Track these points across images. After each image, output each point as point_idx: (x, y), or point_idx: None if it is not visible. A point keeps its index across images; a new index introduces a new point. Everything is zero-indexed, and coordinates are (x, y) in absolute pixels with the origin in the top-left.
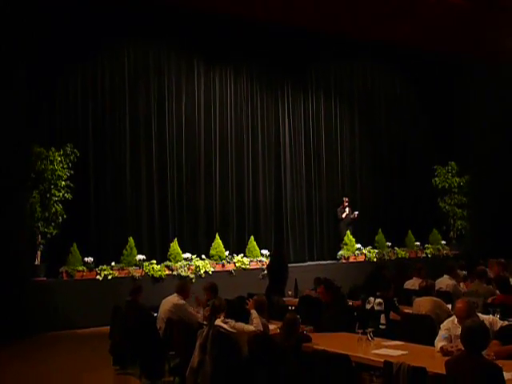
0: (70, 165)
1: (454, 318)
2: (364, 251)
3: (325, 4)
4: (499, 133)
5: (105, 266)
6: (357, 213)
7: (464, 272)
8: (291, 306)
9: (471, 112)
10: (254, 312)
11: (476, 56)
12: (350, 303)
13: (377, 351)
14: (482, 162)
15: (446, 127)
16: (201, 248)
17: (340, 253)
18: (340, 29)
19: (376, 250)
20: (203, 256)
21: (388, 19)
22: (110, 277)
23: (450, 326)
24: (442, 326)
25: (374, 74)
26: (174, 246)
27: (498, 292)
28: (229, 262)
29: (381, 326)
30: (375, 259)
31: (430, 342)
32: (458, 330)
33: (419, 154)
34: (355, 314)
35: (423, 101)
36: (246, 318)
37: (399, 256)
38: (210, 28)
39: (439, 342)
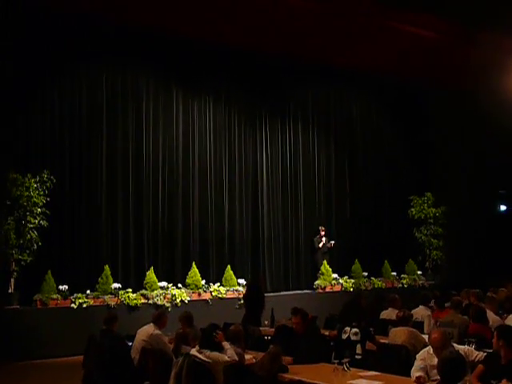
0: (46, 191)
1: (429, 348)
2: (341, 281)
3: (297, 30)
4: (475, 164)
5: (80, 294)
6: (333, 242)
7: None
8: (267, 336)
9: (448, 142)
10: (225, 344)
11: (451, 86)
12: (327, 333)
13: (353, 382)
14: (457, 193)
15: (423, 157)
16: (177, 277)
17: (316, 282)
18: (313, 55)
19: (352, 280)
20: (179, 285)
21: (359, 45)
22: (84, 305)
23: (425, 356)
24: (417, 356)
25: (351, 104)
26: (150, 274)
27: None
28: (205, 291)
29: (357, 356)
30: (352, 289)
31: (406, 373)
32: (434, 360)
33: (396, 184)
34: (331, 344)
35: (400, 130)
36: (220, 347)
37: (376, 286)
38: (189, 56)
39: (415, 372)
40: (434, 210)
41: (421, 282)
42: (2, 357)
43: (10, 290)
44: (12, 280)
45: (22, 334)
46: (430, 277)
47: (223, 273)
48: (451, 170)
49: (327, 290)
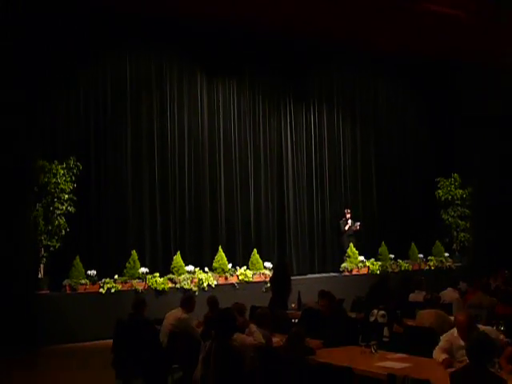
0: (73, 178)
1: (454, 330)
2: (367, 263)
3: (322, 12)
4: (503, 143)
5: (108, 279)
6: (359, 223)
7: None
8: (294, 319)
9: (475, 123)
10: (252, 326)
11: (478, 64)
12: (354, 316)
13: (380, 364)
14: (484, 173)
15: (449, 138)
16: (204, 261)
17: (343, 265)
18: (340, 38)
19: (379, 263)
20: (206, 269)
21: (386, 25)
22: (113, 290)
23: (450, 338)
24: (441, 337)
25: (376, 85)
26: (177, 258)
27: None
28: (232, 275)
29: (384, 339)
30: (378, 272)
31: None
32: (459, 342)
33: (422, 166)
34: (358, 326)
35: (426, 112)
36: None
37: (402, 268)
38: (212, 39)
39: (440, 354)
40: (461, 191)
41: (448, 263)
42: (33, 341)
43: (39, 276)
44: (41, 266)
45: (51, 319)
46: (457, 258)
47: (249, 256)
48: (478, 150)
49: (354, 272)
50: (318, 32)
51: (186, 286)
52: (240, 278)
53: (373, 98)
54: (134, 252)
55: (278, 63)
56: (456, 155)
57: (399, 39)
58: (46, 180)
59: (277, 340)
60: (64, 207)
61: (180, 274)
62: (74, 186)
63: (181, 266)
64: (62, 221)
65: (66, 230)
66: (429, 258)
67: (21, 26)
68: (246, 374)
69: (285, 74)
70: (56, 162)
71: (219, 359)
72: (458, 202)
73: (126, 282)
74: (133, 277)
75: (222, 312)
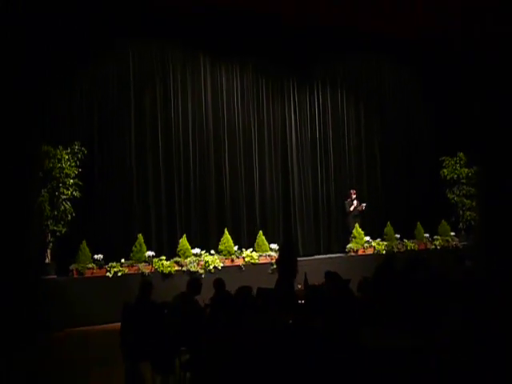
0: (78, 163)
1: None
2: (373, 244)
3: None
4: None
5: (114, 263)
6: (364, 205)
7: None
8: (301, 300)
9: (480, 101)
10: None
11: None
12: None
13: None
14: (490, 152)
15: (454, 117)
16: (210, 243)
17: (349, 246)
18: (343, 20)
19: (385, 243)
20: (212, 251)
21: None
22: (119, 273)
23: None
24: None
25: (380, 65)
26: (183, 241)
27: None
28: (238, 257)
29: None
30: (384, 252)
31: None
32: None
33: (427, 145)
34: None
35: (430, 90)
36: None
37: (408, 248)
38: (215, 23)
39: None
40: (466, 170)
41: (454, 243)
42: (41, 326)
43: (46, 261)
44: (48, 251)
45: (59, 304)
46: (463, 238)
47: (255, 238)
48: (484, 128)
49: (359, 253)
50: (321, 15)
51: (193, 269)
52: (246, 259)
53: (377, 78)
54: (140, 236)
55: (281, 46)
56: (462, 134)
57: (403, 22)
58: (51, 165)
59: None
60: (69, 192)
61: (186, 257)
62: (78, 171)
63: (187, 248)
64: (68, 206)
65: (71, 214)
66: (435, 237)
67: (26, 8)
68: None
69: (288, 57)
70: (61, 147)
71: None
72: (464, 180)
73: (132, 266)
74: (139, 260)
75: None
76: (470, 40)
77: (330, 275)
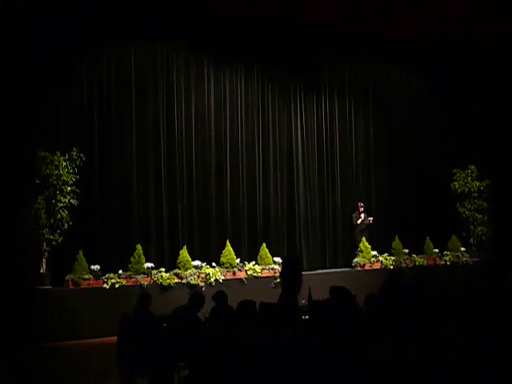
0: (76, 170)
1: None
2: (380, 258)
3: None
4: None
5: (112, 275)
6: (371, 219)
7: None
8: (305, 315)
9: (492, 113)
10: None
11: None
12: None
13: None
14: (503, 165)
15: (466, 129)
16: (211, 255)
17: (355, 260)
18: (351, 25)
19: (393, 257)
20: (213, 264)
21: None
22: (117, 285)
23: None
24: None
25: (390, 74)
26: (184, 253)
27: None
28: (240, 270)
29: None
30: (392, 267)
31: None
32: None
33: (438, 157)
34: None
35: (442, 101)
36: None
37: (417, 263)
38: (220, 27)
39: None
40: (478, 183)
41: (464, 258)
42: (34, 337)
43: (41, 271)
44: (44, 260)
45: (54, 315)
46: (475, 254)
47: (258, 251)
48: (496, 141)
49: (366, 267)
50: (328, 19)
51: (193, 282)
52: (248, 273)
53: (386, 87)
54: (138, 246)
55: (287, 50)
56: (474, 146)
57: (412, 25)
58: (48, 172)
59: None
60: (67, 200)
61: (186, 269)
62: (76, 178)
63: (187, 260)
64: (65, 214)
65: (68, 223)
66: (444, 252)
67: (23, 9)
68: None
69: (295, 61)
70: (58, 153)
71: None
72: (475, 194)
73: (130, 278)
74: (138, 272)
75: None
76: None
77: (336, 290)
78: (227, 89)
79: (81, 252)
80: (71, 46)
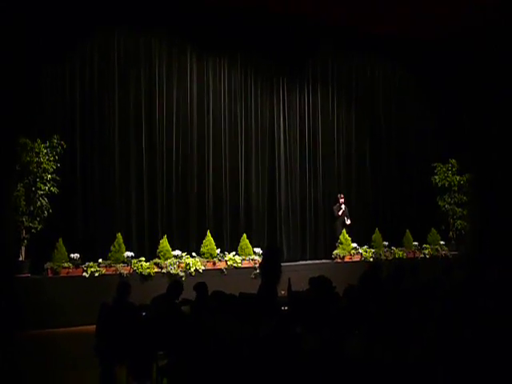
0: (57, 157)
1: None
2: (360, 250)
3: None
4: (503, 129)
5: (91, 263)
6: (349, 222)
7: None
8: (284, 307)
9: (473, 107)
10: None
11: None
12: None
13: None
14: (483, 159)
15: (447, 123)
16: (191, 245)
17: (335, 252)
18: (336, 18)
19: (372, 250)
20: (194, 254)
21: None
22: (96, 274)
23: None
24: None
25: (373, 67)
26: (164, 242)
27: None
28: (220, 260)
29: None
30: (371, 259)
31: None
32: None
33: (418, 151)
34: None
35: (423, 95)
36: None
37: (396, 256)
38: (203, 16)
39: None
40: (458, 177)
41: (443, 252)
42: (13, 326)
43: (20, 258)
44: (23, 248)
45: (33, 303)
46: (453, 247)
47: (239, 241)
48: (477, 136)
49: (346, 259)
50: (314, 11)
51: (173, 271)
52: (229, 263)
53: (369, 80)
54: (119, 235)
55: (271, 41)
56: (455, 140)
57: (397, 21)
58: (28, 159)
59: None
60: (47, 188)
61: (166, 259)
62: (57, 166)
63: (167, 250)
64: (45, 202)
65: (48, 211)
66: (424, 245)
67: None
68: None
69: (278, 51)
70: (39, 140)
71: None
72: (455, 188)
73: (110, 266)
74: (117, 261)
75: None
76: (470, 40)
77: (316, 281)
78: (210, 78)
79: (60, 240)
80: (53, 34)
